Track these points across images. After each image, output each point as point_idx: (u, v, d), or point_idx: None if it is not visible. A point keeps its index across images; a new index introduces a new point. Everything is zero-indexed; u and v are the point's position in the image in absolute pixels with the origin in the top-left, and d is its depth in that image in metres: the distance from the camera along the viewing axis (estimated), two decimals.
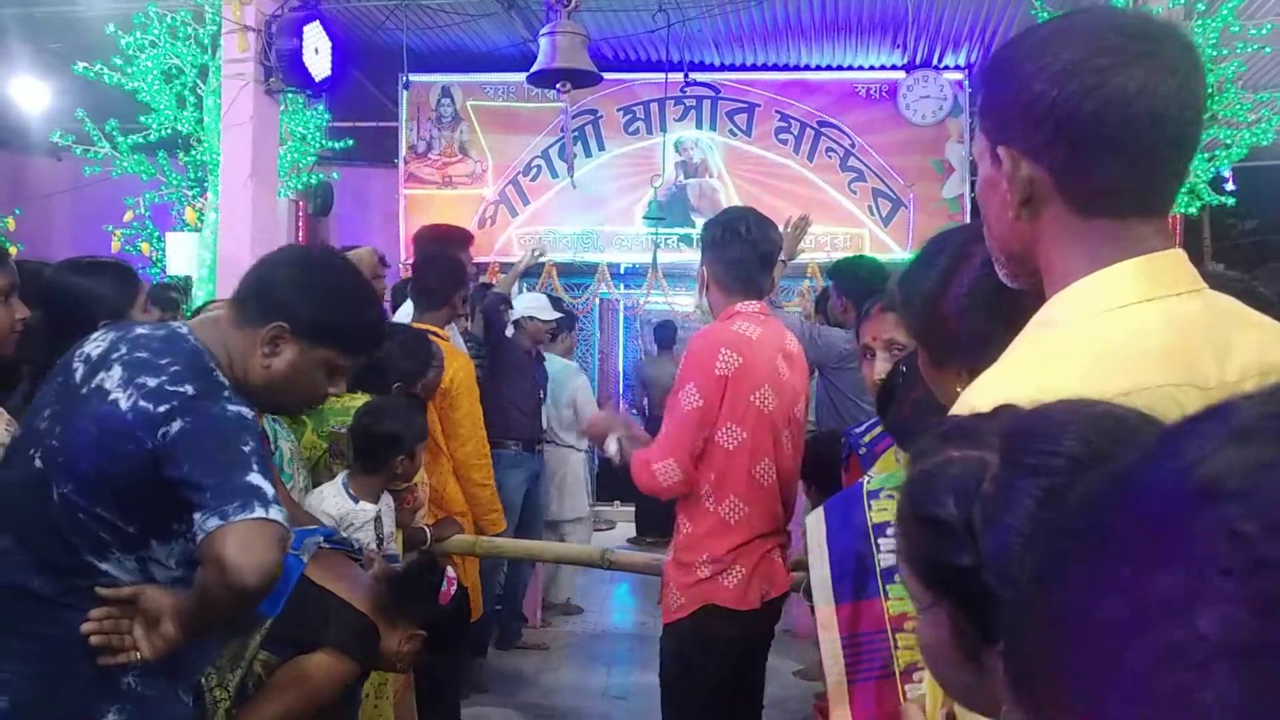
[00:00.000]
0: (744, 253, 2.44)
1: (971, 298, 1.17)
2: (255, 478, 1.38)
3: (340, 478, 2.38)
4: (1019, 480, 0.63)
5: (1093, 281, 0.87)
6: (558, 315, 4.88)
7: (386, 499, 2.44)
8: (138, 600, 1.44)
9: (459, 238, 4.08)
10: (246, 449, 1.40)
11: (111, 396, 1.42)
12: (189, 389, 1.42)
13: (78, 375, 1.47)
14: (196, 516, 1.35)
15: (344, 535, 2.21)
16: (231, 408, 1.45)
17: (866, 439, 2.22)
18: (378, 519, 2.34)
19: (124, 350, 1.47)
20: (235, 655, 1.79)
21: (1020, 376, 0.85)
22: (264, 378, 1.54)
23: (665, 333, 7.56)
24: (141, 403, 1.40)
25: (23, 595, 1.43)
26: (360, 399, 2.50)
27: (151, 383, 1.42)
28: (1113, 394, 0.73)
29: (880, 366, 2.03)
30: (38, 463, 1.45)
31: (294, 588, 1.81)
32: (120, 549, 1.44)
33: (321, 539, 1.99)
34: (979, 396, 0.84)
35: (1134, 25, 0.86)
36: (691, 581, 2.36)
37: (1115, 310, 0.85)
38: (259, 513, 1.35)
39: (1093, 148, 0.85)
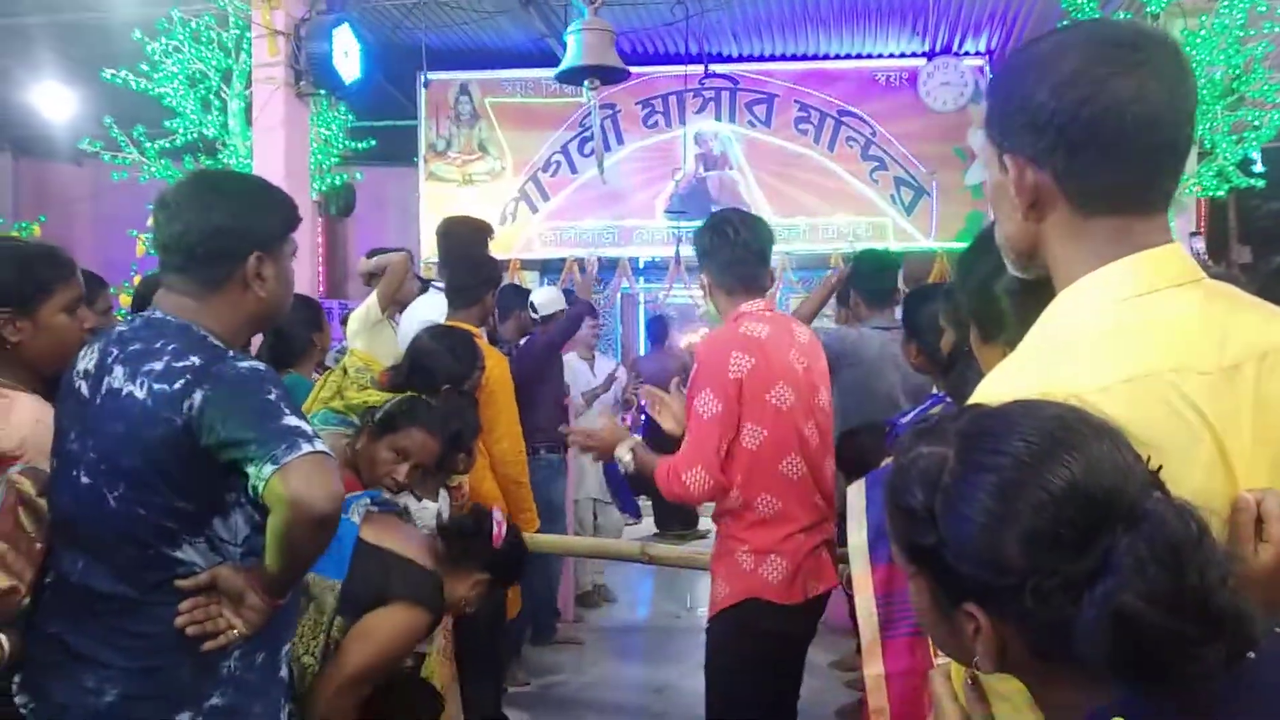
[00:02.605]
0: (736, 253, 2.48)
1: (1019, 282, 1.25)
2: (291, 419, 1.42)
3: None
4: (971, 475, 0.76)
5: (1098, 277, 0.93)
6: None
7: (443, 494, 2.48)
8: (217, 582, 1.48)
9: (481, 230, 4.07)
10: (272, 397, 1.44)
11: (125, 392, 1.46)
12: (195, 360, 1.46)
13: (84, 390, 1.52)
14: (250, 470, 1.39)
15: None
16: (243, 364, 1.49)
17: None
18: (439, 515, 2.37)
19: (116, 351, 1.51)
20: (315, 623, 1.83)
21: (1031, 368, 0.92)
22: (265, 305, 1.59)
23: (657, 328, 7.56)
24: (156, 386, 1.44)
25: (111, 599, 1.48)
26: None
27: (158, 366, 1.46)
28: (1117, 381, 0.85)
29: (948, 338, 2.07)
30: (84, 479, 1.49)
31: (353, 551, 1.85)
32: (188, 532, 1.48)
33: (369, 500, 2.03)
34: (995, 385, 0.93)
35: (1126, 36, 0.93)
36: (736, 573, 2.39)
37: (1119, 302, 0.91)
38: (307, 448, 1.39)
39: (1092, 152, 0.91)
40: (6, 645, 1.50)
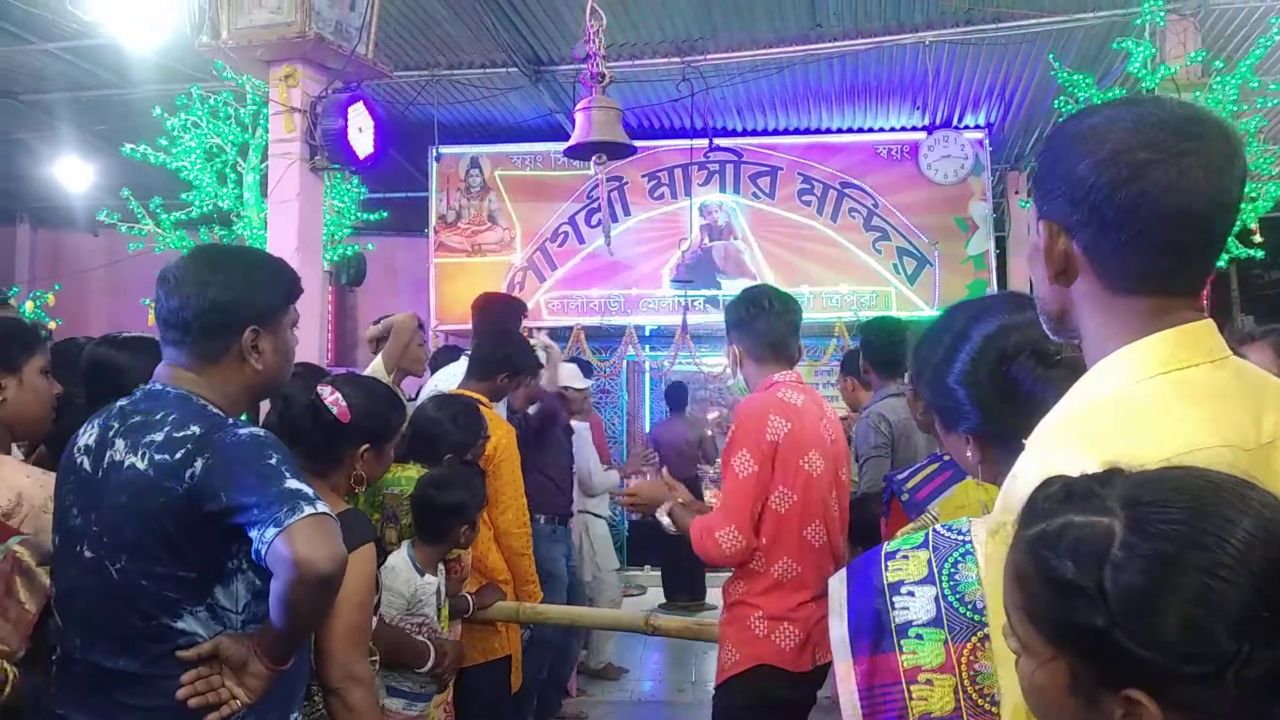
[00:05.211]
0: (772, 323, 2.55)
1: (971, 374, 1.30)
2: (292, 483, 1.44)
3: (405, 550, 2.39)
4: (1154, 546, 0.69)
5: (1135, 350, 0.93)
6: (589, 382, 4.89)
7: (441, 569, 2.46)
8: (219, 652, 1.48)
9: (512, 306, 4.14)
10: (273, 461, 1.46)
11: (127, 464, 1.48)
12: (195, 429, 1.48)
13: (86, 465, 1.54)
14: (253, 534, 1.40)
15: (412, 611, 2.20)
16: (242, 431, 1.51)
17: (909, 484, 2.23)
18: (438, 590, 2.35)
19: (117, 424, 1.54)
20: None
21: (1082, 438, 0.90)
22: (262, 376, 1.62)
23: (677, 394, 7.56)
24: (157, 457, 1.46)
25: (114, 674, 1.48)
26: (411, 469, 2.53)
27: (158, 437, 1.48)
28: (1178, 454, 0.81)
29: None
30: (87, 553, 1.51)
31: None
32: (189, 602, 1.49)
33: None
34: (1048, 455, 0.90)
35: (1178, 120, 0.92)
36: (747, 639, 2.40)
37: (1156, 377, 0.91)
38: (308, 510, 1.40)
39: (1121, 234, 0.92)
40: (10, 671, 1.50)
